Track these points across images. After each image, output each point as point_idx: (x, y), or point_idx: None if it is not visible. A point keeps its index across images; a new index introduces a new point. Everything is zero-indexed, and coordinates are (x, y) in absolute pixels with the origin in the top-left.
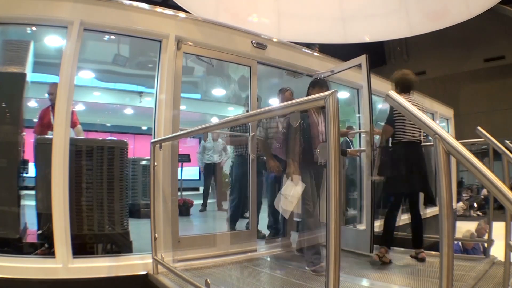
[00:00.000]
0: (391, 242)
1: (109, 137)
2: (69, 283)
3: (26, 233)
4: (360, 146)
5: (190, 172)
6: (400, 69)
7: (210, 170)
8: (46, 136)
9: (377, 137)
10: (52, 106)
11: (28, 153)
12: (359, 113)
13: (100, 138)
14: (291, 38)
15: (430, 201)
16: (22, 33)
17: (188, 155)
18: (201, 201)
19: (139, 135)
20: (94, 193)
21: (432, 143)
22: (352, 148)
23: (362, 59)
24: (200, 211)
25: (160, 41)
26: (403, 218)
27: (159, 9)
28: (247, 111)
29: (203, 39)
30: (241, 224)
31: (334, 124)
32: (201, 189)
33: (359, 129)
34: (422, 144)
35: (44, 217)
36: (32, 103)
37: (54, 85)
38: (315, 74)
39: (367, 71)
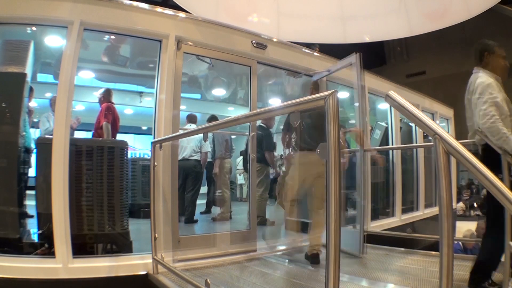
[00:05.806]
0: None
1: None
2: (69, 283)
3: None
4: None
5: None
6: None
7: None
8: (47, 136)
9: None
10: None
11: None
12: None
13: (100, 138)
14: (291, 38)
15: None
16: (22, 33)
17: None
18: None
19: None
20: (94, 193)
21: None
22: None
23: (353, 58)
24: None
25: (160, 41)
26: (403, 218)
27: (159, 9)
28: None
29: (203, 39)
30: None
31: (334, 124)
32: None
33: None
34: None
35: (44, 217)
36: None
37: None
38: (315, 73)
39: (358, 69)
